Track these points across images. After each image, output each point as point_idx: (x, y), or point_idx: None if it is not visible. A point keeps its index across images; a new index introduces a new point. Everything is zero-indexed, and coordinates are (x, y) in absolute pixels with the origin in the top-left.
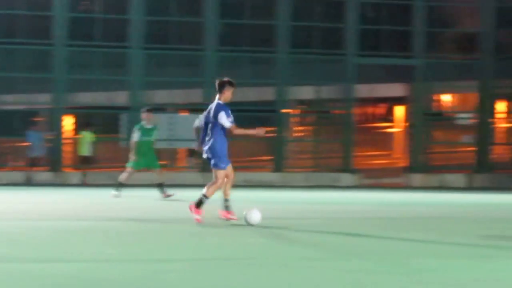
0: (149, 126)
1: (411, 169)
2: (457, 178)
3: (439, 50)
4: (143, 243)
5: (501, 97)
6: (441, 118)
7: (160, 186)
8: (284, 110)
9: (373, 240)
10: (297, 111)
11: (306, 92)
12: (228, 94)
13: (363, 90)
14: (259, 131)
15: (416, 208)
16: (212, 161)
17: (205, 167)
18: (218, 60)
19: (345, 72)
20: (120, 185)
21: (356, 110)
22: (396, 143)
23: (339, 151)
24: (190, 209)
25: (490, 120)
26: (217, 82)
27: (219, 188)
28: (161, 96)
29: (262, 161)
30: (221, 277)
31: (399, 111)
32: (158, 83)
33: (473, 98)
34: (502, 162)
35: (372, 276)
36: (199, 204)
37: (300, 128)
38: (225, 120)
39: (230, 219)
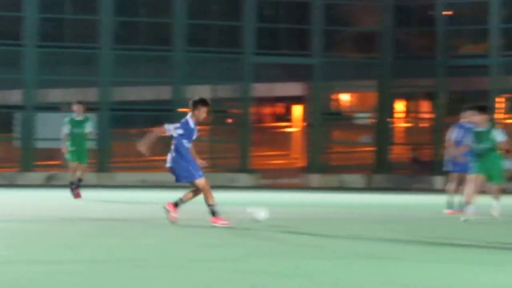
0: (79, 118)
1: (309, 169)
2: (356, 179)
3: (338, 49)
4: (38, 244)
5: (400, 96)
6: (340, 117)
7: (78, 182)
8: (181, 109)
9: (269, 241)
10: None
11: (203, 91)
12: (201, 113)
13: (261, 89)
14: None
15: (313, 209)
16: (183, 176)
17: (100, 167)
18: (114, 58)
19: (243, 71)
20: (72, 184)
21: (254, 110)
22: (294, 143)
23: (237, 151)
24: (213, 222)
25: (389, 119)
26: (191, 100)
27: (210, 191)
28: (56, 95)
29: (158, 161)
30: (111, 278)
31: (297, 110)
32: (53, 82)
33: (372, 97)
34: (401, 162)
35: (266, 278)
36: (213, 213)
37: (197, 127)
38: (172, 128)
39: (172, 217)
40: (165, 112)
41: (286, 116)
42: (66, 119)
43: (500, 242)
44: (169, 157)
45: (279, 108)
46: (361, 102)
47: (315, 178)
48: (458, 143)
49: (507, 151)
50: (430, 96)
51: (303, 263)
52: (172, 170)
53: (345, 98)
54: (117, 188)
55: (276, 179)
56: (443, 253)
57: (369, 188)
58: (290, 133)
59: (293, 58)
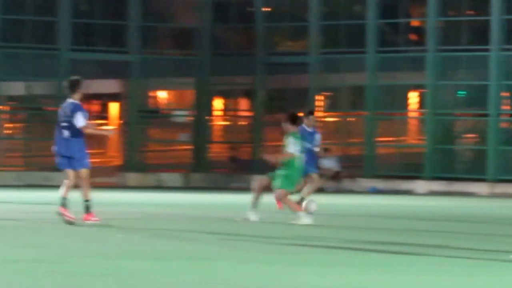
0: None
1: (126, 168)
2: (174, 178)
3: (156, 46)
4: None
5: (218, 94)
6: (158, 115)
7: None
8: None
9: (89, 241)
10: (7, 108)
11: (17, 88)
12: (82, 92)
13: None
14: (108, 132)
15: (131, 208)
16: (75, 162)
17: None
18: None
19: (58, 67)
20: None
21: None
22: (110, 141)
23: (51, 149)
24: (86, 219)
25: (207, 117)
26: (69, 81)
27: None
28: None
29: None
30: None
31: (114, 108)
32: None
33: (190, 95)
34: (219, 161)
35: (80, 278)
36: (88, 209)
37: (10, 125)
38: (80, 119)
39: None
40: None
41: (102, 114)
42: None
43: (318, 238)
44: (62, 144)
45: (96, 106)
46: (179, 99)
47: (132, 177)
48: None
49: (326, 150)
50: (249, 94)
51: (122, 263)
52: (67, 157)
53: (163, 95)
54: None
55: (92, 178)
56: (258, 253)
57: (187, 187)
58: None
59: (110, 55)
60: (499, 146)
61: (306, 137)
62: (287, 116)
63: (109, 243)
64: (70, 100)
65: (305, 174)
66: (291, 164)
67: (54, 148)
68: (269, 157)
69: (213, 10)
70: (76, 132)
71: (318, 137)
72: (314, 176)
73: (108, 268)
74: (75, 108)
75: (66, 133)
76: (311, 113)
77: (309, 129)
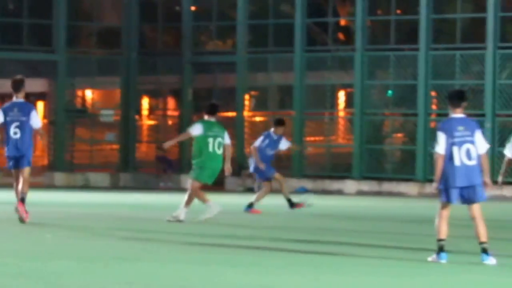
0: None
1: (53, 167)
2: (102, 178)
3: (82, 45)
4: None
5: (145, 93)
6: (84, 115)
7: None
8: None
9: (15, 242)
10: None
11: None
12: (24, 92)
13: (3, 85)
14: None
15: (59, 209)
16: (24, 160)
17: None
18: None
19: None
20: None
21: None
22: (36, 140)
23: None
24: (20, 206)
25: (134, 117)
26: (13, 81)
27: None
28: None
29: None
30: None
31: (40, 107)
32: None
33: (117, 94)
34: (147, 161)
35: (10, 280)
36: (23, 200)
37: None
38: (38, 120)
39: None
40: None
41: None
42: None
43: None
44: (14, 144)
45: None
46: (106, 99)
47: (59, 177)
48: (261, 150)
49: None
50: (176, 93)
51: (50, 264)
52: (22, 157)
53: (89, 95)
54: None
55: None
56: (185, 253)
57: (116, 187)
58: None
59: (36, 54)
60: (428, 146)
61: (271, 143)
62: (206, 106)
63: (38, 243)
64: (18, 100)
65: (267, 178)
66: (203, 155)
67: (6, 151)
68: (167, 143)
69: (140, 9)
70: (28, 132)
71: (284, 142)
72: (276, 175)
73: (37, 268)
74: (29, 108)
75: (18, 132)
76: (280, 123)
77: (275, 137)
